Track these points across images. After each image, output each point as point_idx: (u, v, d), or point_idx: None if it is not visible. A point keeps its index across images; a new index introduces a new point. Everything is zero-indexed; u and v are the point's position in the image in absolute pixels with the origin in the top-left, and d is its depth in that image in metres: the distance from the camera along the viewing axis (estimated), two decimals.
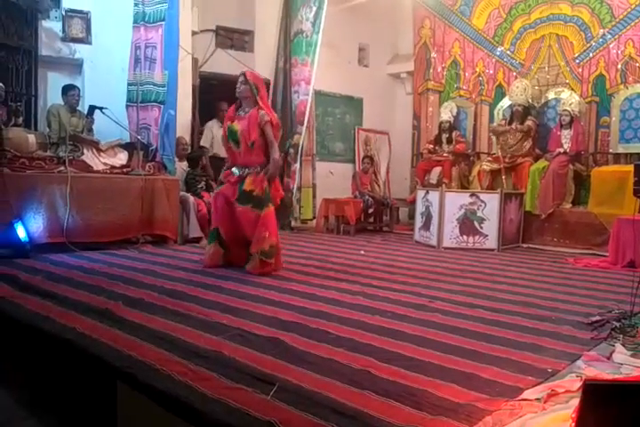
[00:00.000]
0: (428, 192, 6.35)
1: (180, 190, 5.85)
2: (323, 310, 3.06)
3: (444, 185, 6.86)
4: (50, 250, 4.68)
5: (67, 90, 5.60)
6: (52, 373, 2.55)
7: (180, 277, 3.91)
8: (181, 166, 6.18)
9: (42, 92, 6.40)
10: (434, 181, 7.39)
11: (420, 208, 6.44)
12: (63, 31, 6.43)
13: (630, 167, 3.14)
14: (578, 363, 2.31)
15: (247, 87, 4.24)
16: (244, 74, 4.31)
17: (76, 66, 6.62)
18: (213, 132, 6.98)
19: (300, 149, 7.34)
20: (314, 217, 7.73)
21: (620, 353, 2.45)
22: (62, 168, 4.95)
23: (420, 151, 8.02)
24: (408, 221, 7.99)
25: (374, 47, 9.03)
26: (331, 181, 8.13)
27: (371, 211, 7.63)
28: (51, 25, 6.40)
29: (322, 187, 7.86)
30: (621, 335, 2.72)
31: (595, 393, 1.36)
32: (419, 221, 6.47)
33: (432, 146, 7.61)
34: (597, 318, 3.01)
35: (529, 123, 6.69)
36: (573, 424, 1.39)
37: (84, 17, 6.52)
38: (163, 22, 5.99)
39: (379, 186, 8.16)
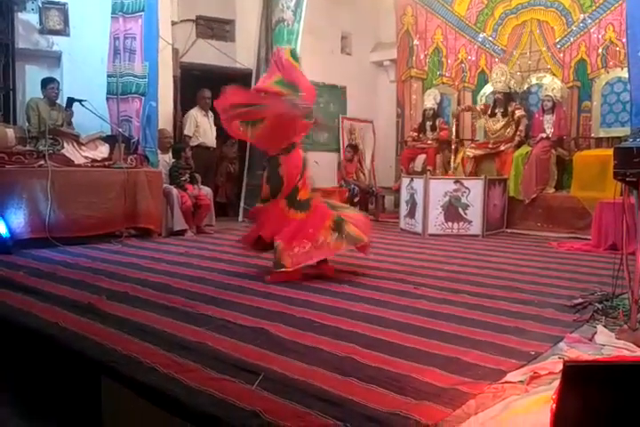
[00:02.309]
0: (412, 180, 6.35)
1: (164, 183, 5.80)
2: (307, 299, 3.07)
3: (428, 172, 6.87)
4: (32, 245, 4.63)
5: (46, 83, 5.52)
6: (34, 369, 2.53)
7: (164, 269, 3.90)
8: (164, 158, 6.12)
9: (20, 86, 6.28)
10: (418, 169, 7.41)
11: (404, 196, 6.45)
12: (40, 23, 6.31)
13: (612, 151, 3.15)
14: (560, 345, 2.34)
15: None
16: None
17: (55, 58, 6.51)
18: (197, 121, 6.91)
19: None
20: None
21: (602, 334, 2.48)
22: (42, 162, 4.87)
23: (405, 139, 8.01)
24: (394, 209, 8.00)
25: (357, 35, 8.96)
26: (316, 170, 8.08)
27: (356, 199, 7.63)
28: (27, 17, 6.27)
29: None
30: (603, 317, 2.75)
31: (574, 374, 1.37)
32: (404, 209, 6.48)
33: (416, 133, 7.62)
34: (580, 300, 3.04)
35: (518, 113, 6.69)
36: (554, 405, 1.41)
37: (62, 8, 6.40)
38: (142, 13, 5.89)
39: (364, 174, 8.16)
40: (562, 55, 6.80)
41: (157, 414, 1.83)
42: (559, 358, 2.15)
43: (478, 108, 7.09)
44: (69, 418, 2.24)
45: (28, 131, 5.25)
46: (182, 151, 6.14)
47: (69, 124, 5.63)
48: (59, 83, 5.66)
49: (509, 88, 6.83)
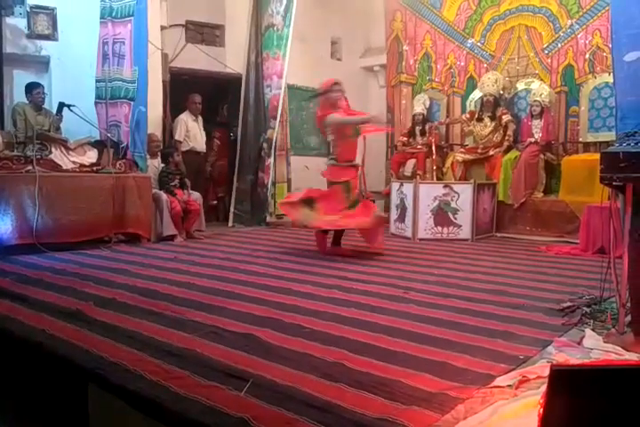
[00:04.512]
0: (402, 184, 6.38)
1: (154, 188, 5.78)
2: (298, 305, 3.06)
3: (417, 177, 6.89)
4: (19, 251, 4.59)
5: (31, 88, 5.47)
6: (21, 376, 2.50)
7: (153, 275, 3.87)
8: (153, 164, 6.09)
9: (8, 91, 6.24)
10: (408, 173, 7.43)
11: (394, 200, 6.47)
12: (28, 28, 6.27)
13: (599, 156, 3.19)
14: (549, 349, 2.35)
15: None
16: (339, 83, 5.07)
17: (43, 63, 6.48)
18: (188, 126, 6.90)
19: (273, 143, 7.30)
20: None
21: (590, 338, 2.49)
22: (30, 168, 4.84)
23: (395, 144, 8.04)
24: (384, 213, 8.00)
25: (347, 40, 9.01)
26: (306, 175, 8.10)
27: None
28: (15, 21, 6.23)
29: (297, 181, 7.84)
30: (592, 321, 2.77)
31: (562, 378, 1.37)
32: (394, 214, 6.50)
33: (406, 138, 7.65)
34: (568, 304, 3.06)
35: (505, 118, 6.73)
36: (541, 410, 1.41)
37: (50, 13, 6.37)
38: (131, 17, 5.88)
39: None
40: (549, 60, 6.86)
41: (145, 422, 1.81)
42: (548, 362, 2.15)
43: (464, 117, 7.13)
44: (57, 426, 2.21)
45: (16, 136, 5.22)
46: (170, 156, 6.12)
47: (57, 129, 5.60)
48: (44, 87, 5.62)
49: (499, 93, 6.88)
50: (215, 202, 7.96)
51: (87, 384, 2.04)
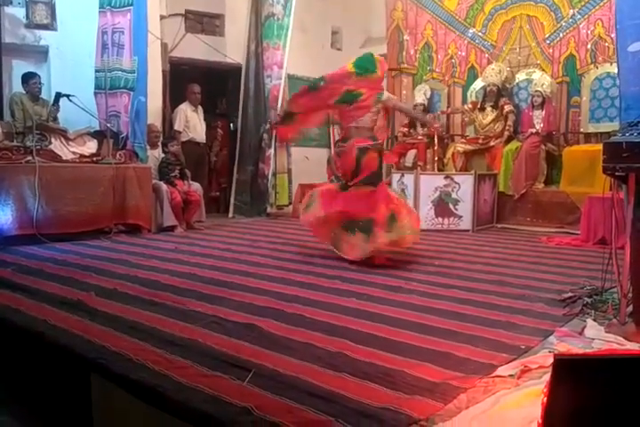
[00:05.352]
0: (403, 175, 6.36)
1: (154, 178, 5.77)
2: (299, 295, 3.06)
3: (418, 168, 6.88)
4: (20, 242, 4.58)
5: (27, 78, 5.43)
6: (23, 366, 2.50)
7: (153, 266, 3.87)
8: (153, 154, 6.08)
9: (7, 81, 6.21)
10: (409, 164, 7.42)
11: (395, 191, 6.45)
12: (27, 17, 6.21)
13: (601, 146, 3.17)
14: (550, 339, 2.36)
15: None
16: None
17: (42, 53, 6.43)
18: (187, 116, 6.87)
19: (274, 134, 7.28)
20: (290, 203, 7.70)
21: (592, 328, 2.50)
22: (30, 158, 4.83)
23: (395, 134, 8.01)
24: None
25: (347, 30, 8.95)
26: (306, 166, 8.08)
27: None
28: (14, 11, 6.18)
29: (297, 172, 7.82)
30: (593, 311, 2.77)
31: (565, 368, 1.38)
32: None
33: (407, 129, 7.62)
34: (569, 294, 3.06)
35: (507, 108, 6.71)
36: (545, 399, 1.41)
37: (49, 2, 6.31)
38: (130, 7, 5.84)
39: None
40: (551, 51, 6.81)
41: (148, 411, 1.82)
42: (549, 351, 2.16)
43: (466, 107, 7.10)
44: (59, 416, 2.22)
45: (15, 126, 5.19)
46: (164, 146, 6.09)
47: (55, 119, 5.56)
48: (40, 77, 5.58)
49: (502, 83, 6.85)
50: (217, 193, 7.95)
51: (90, 374, 2.05)
